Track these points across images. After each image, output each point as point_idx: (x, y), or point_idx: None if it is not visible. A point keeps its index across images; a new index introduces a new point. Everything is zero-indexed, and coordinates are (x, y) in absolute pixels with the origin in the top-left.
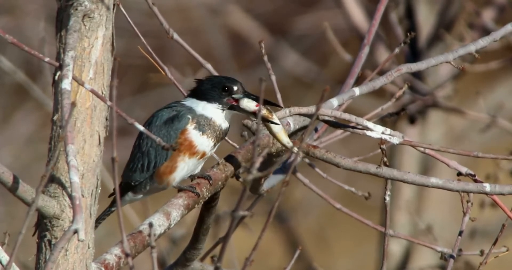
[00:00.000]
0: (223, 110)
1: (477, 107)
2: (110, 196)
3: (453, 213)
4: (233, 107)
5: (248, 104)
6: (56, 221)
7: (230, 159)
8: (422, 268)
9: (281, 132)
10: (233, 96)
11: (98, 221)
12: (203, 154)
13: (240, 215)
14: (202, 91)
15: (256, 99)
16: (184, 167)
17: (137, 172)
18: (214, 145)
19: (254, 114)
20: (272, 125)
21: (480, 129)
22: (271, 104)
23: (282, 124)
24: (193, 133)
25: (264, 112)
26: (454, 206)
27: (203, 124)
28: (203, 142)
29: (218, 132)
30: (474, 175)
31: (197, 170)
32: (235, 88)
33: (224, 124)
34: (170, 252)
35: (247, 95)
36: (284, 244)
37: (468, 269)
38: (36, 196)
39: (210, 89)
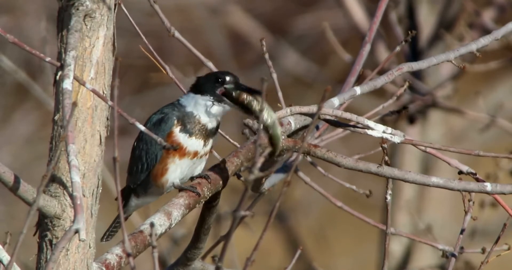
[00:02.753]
0: (213, 103)
1: (476, 107)
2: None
3: (454, 213)
4: (223, 98)
5: (237, 94)
6: (57, 221)
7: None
8: (423, 268)
9: (275, 125)
10: (225, 86)
11: (111, 232)
12: (195, 153)
13: (241, 214)
14: (199, 86)
15: (247, 89)
16: (176, 168)
17: (133, 174)
18: (205, 142)
19: (242, 105)
20: (264, 116)
21: (480, 129)
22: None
23: (283, 124)
24: (179, 135)
25: (253, 103)
26: (454, 206)
27: (189, 126)
28: (192, 143)
29: (204, 131)
30: (475, 174)
31: (197, 171)
32: (228, 78)
33: (211, 124)
34: (171, 252)
35: (239, 86)
36: (284, 243)
37: (468, 269)
38: (37, 196)
39: (205, 82)
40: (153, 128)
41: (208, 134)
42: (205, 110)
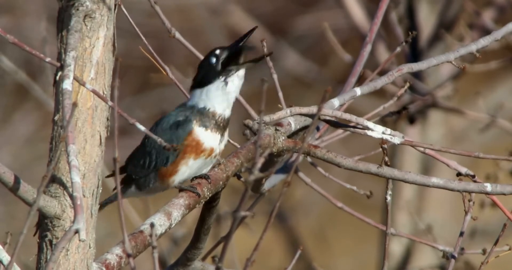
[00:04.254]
0: (225, 81)
1: (477, 107)
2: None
3: (454, 213)
4: (229, 68)
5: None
6: (57, 221)
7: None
8: (423, 268)
9: None
10: (221, 58)
11: (106, 203)
12: (211, 151)
13: (241, 215)
14: (201, 78)
15: (237, 42)
16: (186, 170)
17: (139, 168)
18: (221, 136)
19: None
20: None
21: (480, 129)
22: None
23: (284, 124)
24: (199, 132)
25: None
26: (454, 206)
27: (205, 120)
28: (210, 137)
29: (220, 123)
30: (474, 176)
31: (204, 172)
32: (217, 51)
33: (226, 112)
34: (171, 252)
35: (230, 48)
36: (284, 243)
37: (468, 269)
38: (37, 196)
39: (204, 71)
40: (170, 129)
41: (224, 125)
42: (221, 95)
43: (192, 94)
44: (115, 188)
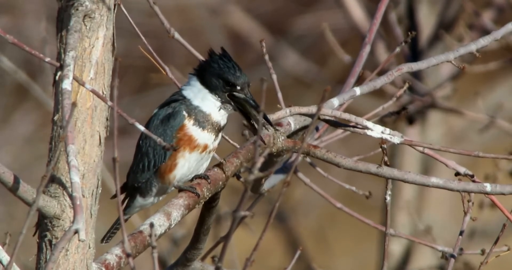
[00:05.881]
0: (219, 108)
1: (476, 107)
2: (112, 197)
3: (453, 213)
4: (230, 102)
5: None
6: (56, 221)
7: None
8: (422, 268)
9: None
10: (233, 93)
11: (111, 233)
12: (205, 147)
13: (241, 215)
14: (207, 75)
15: (253, 106)
16: (185, 163)
17: (139, 173)
18: (215, 137)
19: (242, 111)
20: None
21: (479, 129)
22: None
23: (283, 124)
24: (192, 128)
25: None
26: (454, 206)
27: (202, 121)
28: (204, 136)
29: (217, 127)
30: (473, 176)
31: (202, 169)
32: (238, 87)
33: (223, 121)
34: (170, 252)
35: (247, 99)
36: (284, 244)
37: None
38: (36, 196)
39: (215, 77)
40: (161, 124)
41: (219, 129)
42: (214, 109)
43: (191, 80)
44: (114, 196)
